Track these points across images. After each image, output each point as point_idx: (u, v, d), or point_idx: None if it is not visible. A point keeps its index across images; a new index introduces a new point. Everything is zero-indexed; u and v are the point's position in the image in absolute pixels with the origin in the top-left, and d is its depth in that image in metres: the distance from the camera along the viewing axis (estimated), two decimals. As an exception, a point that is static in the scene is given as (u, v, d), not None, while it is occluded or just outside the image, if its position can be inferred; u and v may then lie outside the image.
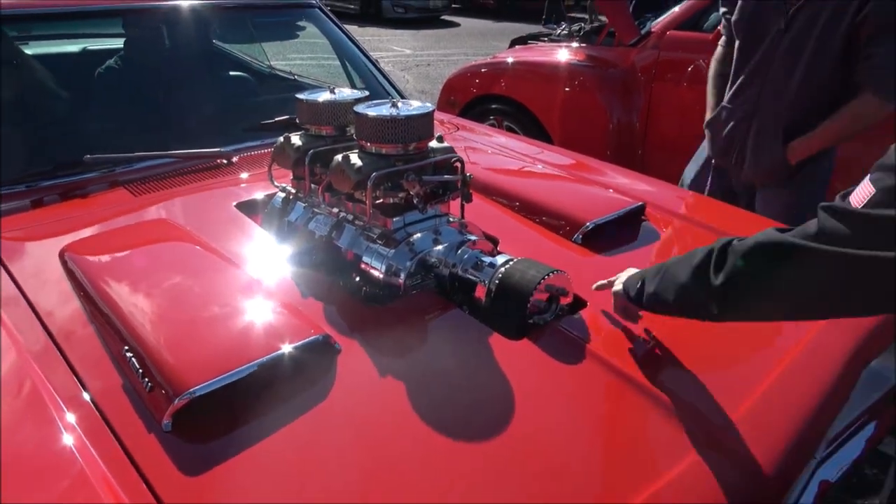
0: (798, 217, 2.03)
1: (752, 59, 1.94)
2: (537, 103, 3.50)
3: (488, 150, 2.14)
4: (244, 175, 1.75)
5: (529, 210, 1.64)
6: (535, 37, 4.33)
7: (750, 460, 0.96)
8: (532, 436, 0.96)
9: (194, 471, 0.87)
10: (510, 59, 3.75)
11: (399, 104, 1.31)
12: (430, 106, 1.33)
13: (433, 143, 1.36)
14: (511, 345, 1.14)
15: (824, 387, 1.16)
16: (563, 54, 3.53)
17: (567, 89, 3.42)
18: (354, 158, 1.28)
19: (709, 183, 2.16)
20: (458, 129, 2.35)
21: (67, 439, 0.90)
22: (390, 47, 11.35)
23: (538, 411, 1.01)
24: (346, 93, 1.48)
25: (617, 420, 1.02)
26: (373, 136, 1.28)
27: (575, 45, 3.61)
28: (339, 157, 1.30)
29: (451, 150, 1.38)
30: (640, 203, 1.66)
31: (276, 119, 1.93)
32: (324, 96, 1.45)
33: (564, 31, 4.12)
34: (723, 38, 2.17)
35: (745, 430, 1.01)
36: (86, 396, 0.98)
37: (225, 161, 1.80)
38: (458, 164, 1.37)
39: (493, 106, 3.69)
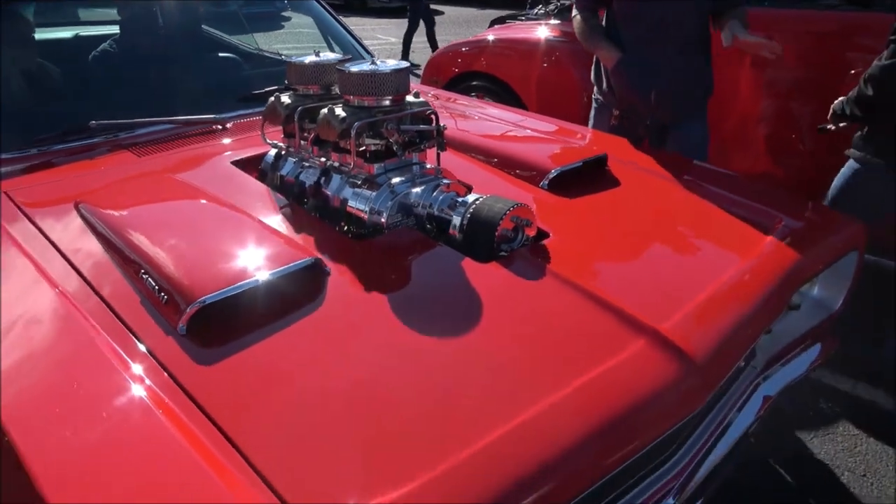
0: (705, 152, 2.24)
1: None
2: (515, 78, 3.65)
3: (465, 112, 2.29)
4: (238, 137, 1.89)
5: (500, 162, 1.80)
6: (514, 17, 4.48)
7: (686, 350, 1.11)
8: (496, 335, 1.12)
9: (207, 364, 1.02)
10: (490, 37, 3.90)
11: (378, 62, 1.46)
12: (406, 63, 1.48)
13: (410, 98, 1.51)
14: (481, 267, 1.29)
15: (756, 299, 1.32)
16: (540, 31, 3.68)
17: (544, 64, 3.57)
18: (339, 111, 1.44)
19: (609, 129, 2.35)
20: (437, 98, 2.50)
21: (100, 343, 1.05)
22: (375, 36, 11.45)
23: (502, 317, 1.17)
24: (330, 55, 1.63)
25: (568, 319, 1.18)
26: (355, 90, 1.43)
27: (552, 22, 3.75)
28: (325, 110, 1.46)
29: (426, 104, 1.53)
30: (602, 154, 1.82)
31: (267, 89, 2.07)
32: (310, 58, 1.60)
33: (541, 11, 4.26)
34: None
35: (683, 327, 1.16)
36: (111, 312, 1.12)
37: (220, 127, 1.95)
38: (433, 116, 1.52)
39: (475, 83, 3.84)
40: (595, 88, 2.46)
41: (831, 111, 2.08)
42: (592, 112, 2.48)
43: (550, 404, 0.97)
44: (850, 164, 2.09)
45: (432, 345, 1.09)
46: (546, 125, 2.20)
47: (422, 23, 9.39)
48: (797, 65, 2.77)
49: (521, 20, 4.26)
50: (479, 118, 2.26)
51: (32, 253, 1.29)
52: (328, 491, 0.82)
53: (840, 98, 2.06)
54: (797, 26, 2.83)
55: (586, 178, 1.75)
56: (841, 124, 2.07)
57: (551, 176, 1.68)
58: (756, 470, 1.95)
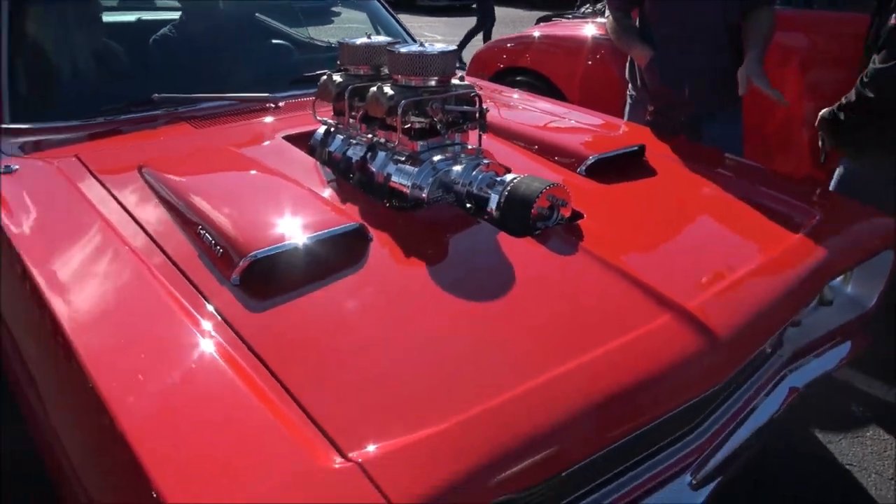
0: (739, 146, 2.24)
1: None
2: (559, 75, 3.69)
3: (508, 101, 2.35)
4: (290, 116, 1.98)
5: (540, 149, 1.85)
6: (560, 14, 4.51)
7: (711, 327, 1.15)
8: (527, 302, 1.18)
9: (256, 312, 1.10)
10: (536, 34, 3.94)
11: (426, 44, 1.53)
12: (453, 47, 1.54)
13: (455, 80, 1.58)
14: (516, 241, 1.35)
15: (784, 287, 1.34)
16: (586, 29, 3.71)
17: (588, 62, 3.60)
18: (387, 89, 1.51)
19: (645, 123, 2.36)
20: (481, 88, 2.56)
21: (162, 293, 1.13)
22: (422, 34, 11.56)
23: (534, 288, 1.23)
24: (381, 38, 1.71)
25: (598, 293, 1.23)
26: (403, 70, 1.50)
27: (599, 20, 3.77)
28: (374, 88, 1.53)
29: (470, 86, 1.59)
30: (640, 144, 1.85)
31: (318, 72, 2.15)
32: (362, 40, 1.68)
33: (588, 9, 4.29)
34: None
35: (710, 306, 1.20)
36: (172, 265, 1.21)
37: (273, 105, 2.04)
38: (476, 99, 1.59)
39: (518, 78, 3.88)
40: (629, 85, 2.50)
41: (819, 120, 2.05)
42: (627, 108, 2.52)
43: (576, 365, 1.03)
44: (846, 168, 2.09)
45: (465, 306, 1.16)
46: (588, 117, 2.24)
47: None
48: (836, 66, 2.74)
49: (568, 18, 4.29)
50: (521, 107, 2.32)
51: (103, 211, 1.39)
52: (371, 428, 0.89)
53: (826, 109, 2.04)
54: (834, 28, 2.81)
55: (623, 167, 1.79)
56: (828, 144, 2.07)
57: (589, 162, 1.72)
58: (778, 463, 1.96)
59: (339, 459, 0.84)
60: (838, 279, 1.66)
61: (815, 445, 2.07)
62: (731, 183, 1.76)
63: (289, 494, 0.79)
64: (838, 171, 2.14)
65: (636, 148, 1.84)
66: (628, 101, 2.52)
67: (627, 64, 2.48)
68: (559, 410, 0.96)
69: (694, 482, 1.23)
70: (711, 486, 1.26)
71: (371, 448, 0.86)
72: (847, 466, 1.98)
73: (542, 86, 3.79)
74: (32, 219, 1.40)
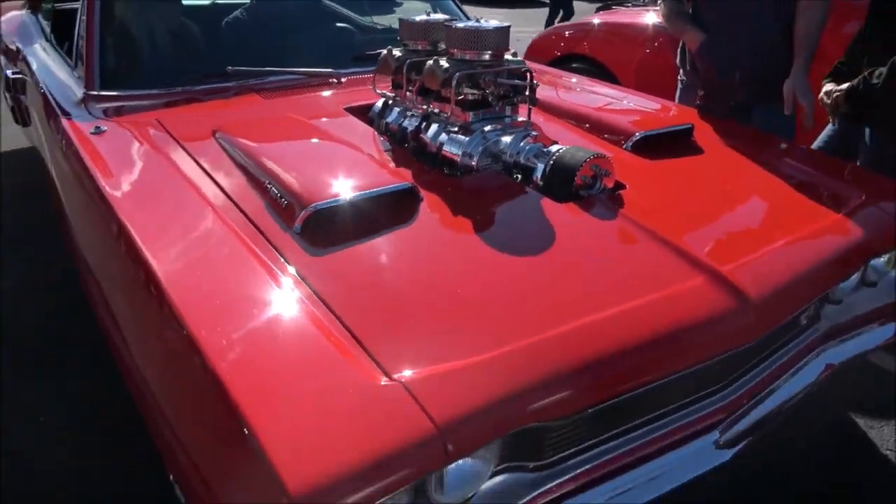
0: (790, 131, 2.22)
1: None
2: (616, 62, 3.70)
3: (560, 82, 2.41)
4: (351, 90, 2.10)
5: (589, 127, 1.91)
6: (620, 3, 4.51)
7: (742, 290, 1.20)
8: (568, 258, 1.26)
9: (316, 256, 1.21)
10: (595, 21, 3.96)
11: (482, 20, 1.61)
12: (507, 23, 1.62)
13: (508, 56, 1.66)
14: (559, 206, 1.43)
15: (820, 259, 1.38)
16: (646, 17, 3.71)
17: (646, 50, 3.60)
18: (443, 62, 1.60)
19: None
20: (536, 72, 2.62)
21: (237, 241, 1.25)
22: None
23: (575, 246, 1.31)
24: (439, 16, 1.80)
25: (635, 254, 1.29)
26: (459, 44, 1.59)
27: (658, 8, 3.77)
28: (430, 61, 1.63)
29: (522, 62, 1.67)
30: (689, 125, 1.89)
31: (378, 51, 2.26)
32: (421, 17, 1.77)
33: (649, -2, 4.28)
34: None
35: (744, 271, 1.25)
36: (243, 216, 1.34)
37: (335, 80, 2.16)
38: (528, 74, 1.66)
39: (575, 65, 3.91)
40: (680, 70, 2.52)
41: (849, 90, 1.97)
42: (678, 93, 2.54)
43: (609, 314, 1.10)
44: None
45: (508, 259, 1.24)
46: (640, 99, 2.28)
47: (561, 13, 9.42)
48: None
49: (628, 6, 4.29)
50: (576, 89, 2.38)
51: (183, 168, 1.53)
52: (416, 355, 0.99)
53: (850, 83, 1.97)
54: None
55: (670, 145, 1.84)
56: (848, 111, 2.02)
57: (635, 138, 1.78)
58: (819, 444, 1.98)
59: (386, 380, 0.94)
60: (882, 261, 1.66)
61: (854, 429, 2.07)
62: (776, 162, 1.78)
63: (345, 410, 0.90)
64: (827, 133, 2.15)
65: (684, 127, 1.88)
66: (679, 85, 2.54)
67: (679, 48, 2.51)
68: (591, 351, 1.04)
69: (721, 441, 1.29)
70: (738, 447, 1.31)
71: (415, 372, 0.95)
72: (886, 452, 1.98)
73: (598, 73, 3.81)
74: (122, 174, 1.55)
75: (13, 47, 3.01)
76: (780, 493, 1.80)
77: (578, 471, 1.13)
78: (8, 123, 2.89)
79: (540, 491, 1.10)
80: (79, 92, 2.04)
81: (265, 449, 0.82)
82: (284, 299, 1.10)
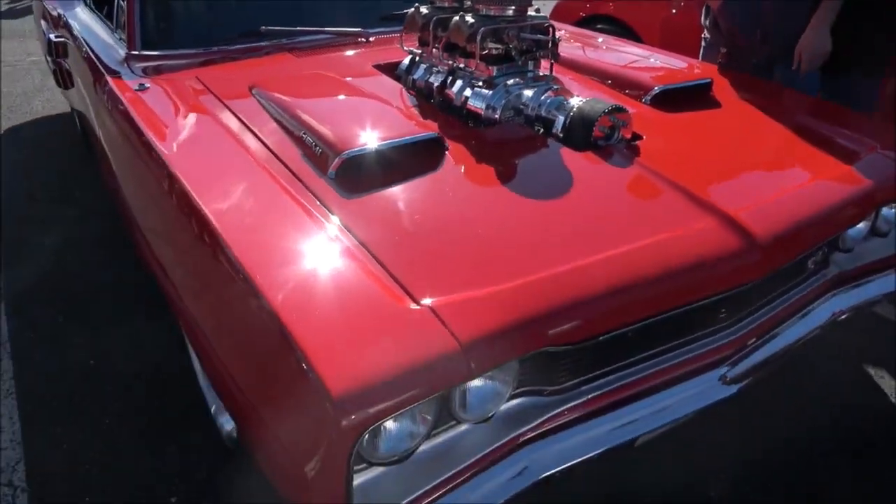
0: (812, 89, 2.23)
1: None
2: (641, 23, 3.70)
3: (588, 41, 2.46)
4: (379, 49, 2.17)
5: (612, 82, 1.97)
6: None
7: (751, 231, 1.27)
8: (585, 201, 1.34)
9: (349, 199, 1.31)
10: (620, -18, 3.96)
11: (506, -23, 1.67)
12: (530, -20, 1.68)
13: (531, 12, 1.72)
14: (577, 154, 1.50)
15: (829, 204, 1.43)
16: (671, -24, 3.70)
17: (672, 10, 3.60)
18: (469, 18, 1.67)
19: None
20: (562, 30, 2.66)
21: (276, 186, 1.35)
22: None
23: (593, 191, 1.39)
24: (465, -26, 1.86)
25: (650, 198, 1.37)
26: (484, 1, 1.65)
27: (684, -32, 3.74)
28: (457, 17, 1.69)
29: (545, 17, 1.73)
30: (708, 80, 1.94)
31: (405, 10, 2.33)
32: (447, -25, 1.83)
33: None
34: None
35: (753, 213, 1.32)
36: (281, 164, 1.44)
37: (364, 39, 2.24)
38: (550, 29, 1.72)
39: (599, 26, 3.92)
40: (704, 29, 2.54)
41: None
42: (701, 51, 2.57)
43: (624, 249, 1.19)
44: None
45: (528, 201, 1.33)
46: (663, 57, 2.32)
47: None
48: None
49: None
50: (600, 47, 2.42)
51: (223, 121, 1.63)
52: (442, 284, 1.08)
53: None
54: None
55: (689, 99, 1.89)
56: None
57: (654, 92, 1.83)
58: (810, 375, 2.05)
59: (415, 305, 1.04)
60: (893, 211, 1.71)
61: (854, 373, 2.14)
62: (790, 114, 1.83)
63: (379, 329, 1.00)
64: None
65: (703, 82, 1.93)
66: (702, 43, 2.57)
67: (703, 7, 2.52)
68: (603, 283, 1.12)
69: (727, 377, 1.37)
70: (742, 384, 1.39)
71: (441, 298, 1.05)
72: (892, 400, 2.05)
73: (623, 34, 3.81)
74: (168, 127, 1.65)
75: (54, 13, 3.12)
76: (789, 440, 1.87)
77: (590, 396, 1.23)
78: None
79: (553, 413, 1.20)
80: (121, 52, 2.14)
81: (311, 361, 0.93)
82: (322, 237, 1.20)
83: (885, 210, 1.69)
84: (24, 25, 7.24)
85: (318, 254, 1.16)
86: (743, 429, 1.83)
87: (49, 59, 3.20)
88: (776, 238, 1.30)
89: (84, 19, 2.72)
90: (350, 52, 2.15)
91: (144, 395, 2.06)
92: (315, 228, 1.22)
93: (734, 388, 1.37)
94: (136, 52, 2.09)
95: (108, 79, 1.98)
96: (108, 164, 2.09)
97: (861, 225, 1.63)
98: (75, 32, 2.63)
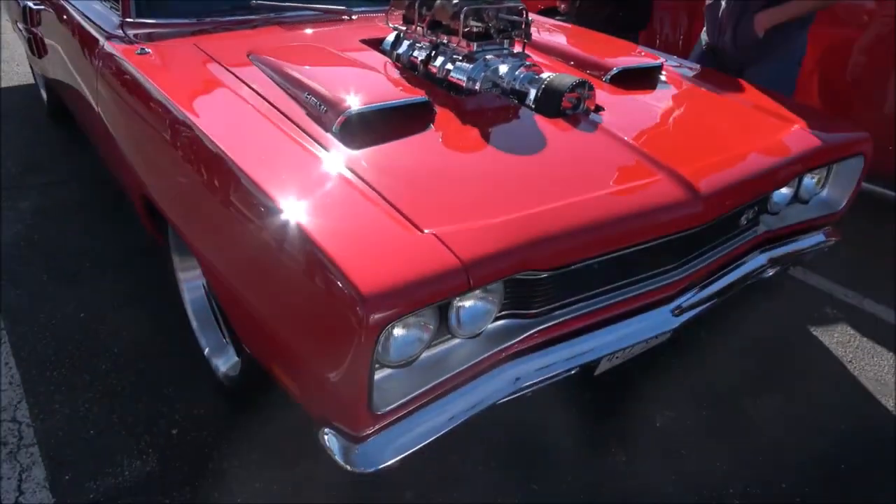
0: (783, 90, 2.52)
1: None
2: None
3: (554, 29, 2.69)
4: (363, 26, 2.34)
5: (575, 63, 2.20)
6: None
7: (694, 185, 1.51)
8: (553, 158, 1.56)
9: (353, 150, 1.49)
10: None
11: (486, -38, 1.87)
12: (507, -34, 1.88)
13: (507, -4, 1.92)
14: (548, 120, 1.72)
15: (761, 167, 1.69)
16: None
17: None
18: (453, -2, 1.86)
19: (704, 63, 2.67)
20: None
21: (285, 138, 1.52)
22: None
23: (559, 150, 1.60)
24: (447, -42, 2.05)
25: (608, 157, 1.60)
26: (466, -18, 1.85)
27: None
28: (441, -2, 1.89)
29: (519, 2, 1.93)
30: (659, 62, 2.19)
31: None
32: (432, -41, 2.02)
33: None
34: None
35: (696, 171, 1.55)
36: (288, 120, 1.60)
37: (348, 17, 2.40)
38: (524, 12, 1.93)
39: (557, 17, 4.18)
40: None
41: None
42: (696, 46, 2.83)
43: (586, 197, 1.41)
44: None
45: (507, 156, 1.54)
46: (616, 43, 2.57)
47: None
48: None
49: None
50: (560, 33, 2.65)
51: (226, 83, 1.78)
52: (441, 216, 1.27)
53: None
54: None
55: (644, 81, 2.13)
56: None
57: (613, 72, 2.07)
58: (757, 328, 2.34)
59: (419, 233, 1.23)
60: (813, 181, 1.99)
61: (789, 332, 2.44)
62: (732, 95, 2.10)
63: (393, 249, 1.19)
64: None
65: (654, 64, 2.18)
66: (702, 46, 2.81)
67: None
68: (570, 222, 1.34)
69: (676, 311, 1.62)
70: (688, 315, 1.64)
71: (443, 227, 1.25)
72: (819, 346, 2.35)
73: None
74: (179, 86, 1.78)
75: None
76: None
77: (561, 319, 1.45)
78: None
79: (531, 333, 1.42)
80: (114, 20, 2.24)
81: (342, 269, 1.11)
82: (335, 179, 1.38)
83: (806, 180, 1.97)
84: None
85: (334, 192, 1.34)
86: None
87: (23, 27, 3.23)
88: (715, 192, 1.54)
89: (68, -11, 2.78)
90: (336, 28, 2.31)
91: (138, 341, 2.18)
92: (327, 172, 1.40)
93: (679, 320, 1.61)
94: (131, 20, 2.19)
95: (108, 43, 2.09)
96: (102, 124, 2.20)
97: (785, 190, 1.90)
98: (61, 2, 2.70)
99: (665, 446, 1.91)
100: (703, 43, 2.73)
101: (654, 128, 1.81)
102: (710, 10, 2.63)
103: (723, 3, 2.55)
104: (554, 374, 1.44)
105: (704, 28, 2.73)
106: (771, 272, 1.98)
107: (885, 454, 1.93)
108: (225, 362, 1.96)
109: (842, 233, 2.11)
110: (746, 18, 2.45)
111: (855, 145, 1.93)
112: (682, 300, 1.63)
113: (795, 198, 1.99)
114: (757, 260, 1.87)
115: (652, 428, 1.97)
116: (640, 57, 2.30)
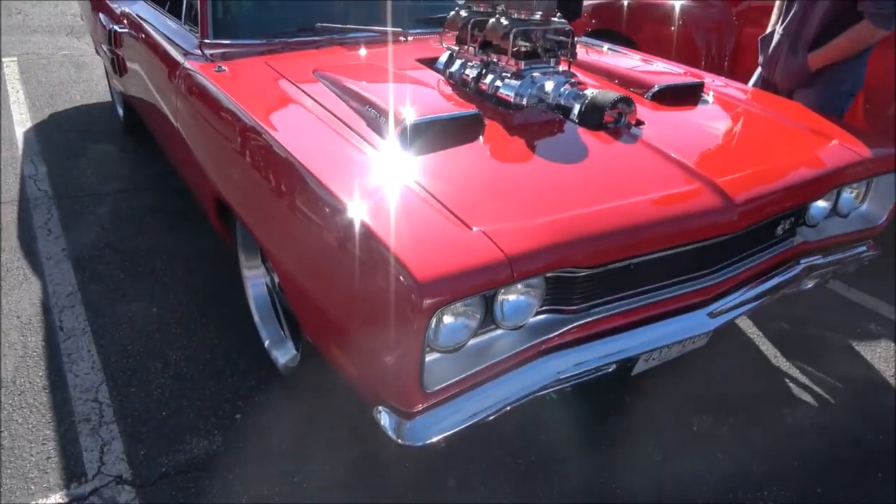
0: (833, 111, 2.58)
1: None
2: (644, 39, 4.05)
3: (598, 48, 2.81)
4: (418, 46, 2.51)
5: (619, 81, 2.31)
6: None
7: (729, 195, 1.60)
8: (597, 166, 1.67)
9: (411, 156, 1.63)
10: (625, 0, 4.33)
11: (535, -12, 2.01)
12: (554, -9, 2.02)
13: (555, 18, 2.05)
14: (591, 132, 1.83)
15: (796, 180, 1.77)
16: (671, -3, 4.07)
17: (672, 28, 3.96)
18: (503, 20, 2.01)
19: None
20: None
21: (348, 146, 1.68)
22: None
23: (603, 160, 1.72)
24: (498, -16, 2.20)
25: (648, 167, 1.70)
26: (516, 6, 1.99)
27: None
28: (493, 19, 2.03)
29: (565, 22, 2.07)
30: (700, 80, 2.28)
31: (440, 15, 2.67)
32: (484, -16, 2.18)
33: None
34: None
35: (733, 182, 1.64)
36: (350, 130, 1.76)
37: (404, 38, 2.57)
38: (570, 32, 2.06)
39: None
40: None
41: None
42: (753, 78, 2.91)
43: (628, 202, 1.51)
44: None
45: (553, 165, 1.66)
46: (661, 63, 2.67)
47: None
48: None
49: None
50: (606, 53, 2.77)
51: (295, 97, 1.96)
52: (490, 216, 1.40)
53: None
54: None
55: (685, 98, 2.23)
56: None
57: (655, 90, 2.17)
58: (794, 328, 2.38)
59: (469, 231, 1.36)
60: (851, 196, 2.04)
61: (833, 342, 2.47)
62: (772, 112, 2.17)
63: (445, 243, 1.32)
64: None
65: (696, 82, 2.27)
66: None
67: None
68: (611, 224, 1.45)
69: (712, 314, 1.70)
70: (724, 318, 1.72)
71: (490, 226, 1.37)
72: (861, 360, 2.38)
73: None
74: (253, 102, 1.96)
75: (116, 8, 3.44)
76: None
77: (600, 316, 1.55)
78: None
79: (569, 328, 1.52)
80: (192, 41, 2.46)
81: (401, 260, 1.24)
82: (394, 182, 1.52)
83: (845, 194, 2.03)
84: (51, 21, 7.58)
85: (393, 193, 1.48)
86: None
87: (106, 48, 3.52)
88: (749, 201, 1.63)
89: (150, 13, 3.04)
90: (394, 48, 2.48)
91: (205, 333, 2.37)
92: (386, 176, 1.55)
93: (715, 323, 1.69)
94: (209, 41, 2.41)
95: (187, 62, 2.30)
96: (179, 135, 2.41)
97: (823, 203, 1.96)
98: (141, 24, 2.95)
99: (702, 449, 1.97)
100: (759, 73, 2.83)
101: (692, 140, 1.90)
102: (763, 42, 2.74)
103: (775, 37, 2.63)
104: (592, 368, 1.54)
105: (760, 51, 2.81)
106: (810, 283, 2.04)
107: (925, 466, 1.95)
108: (283, 354, 2.12)
109: (883, 248, 2.15)
110: (796, 55, 2.53)
111: (891, 161, 1.98)
112: (719, 304, 1.71)
113: (834, 211, 2.05)
114: (794, 269, 1.93)
115: (689, 431, 2.04)
116: (682, 76, 2.40)
